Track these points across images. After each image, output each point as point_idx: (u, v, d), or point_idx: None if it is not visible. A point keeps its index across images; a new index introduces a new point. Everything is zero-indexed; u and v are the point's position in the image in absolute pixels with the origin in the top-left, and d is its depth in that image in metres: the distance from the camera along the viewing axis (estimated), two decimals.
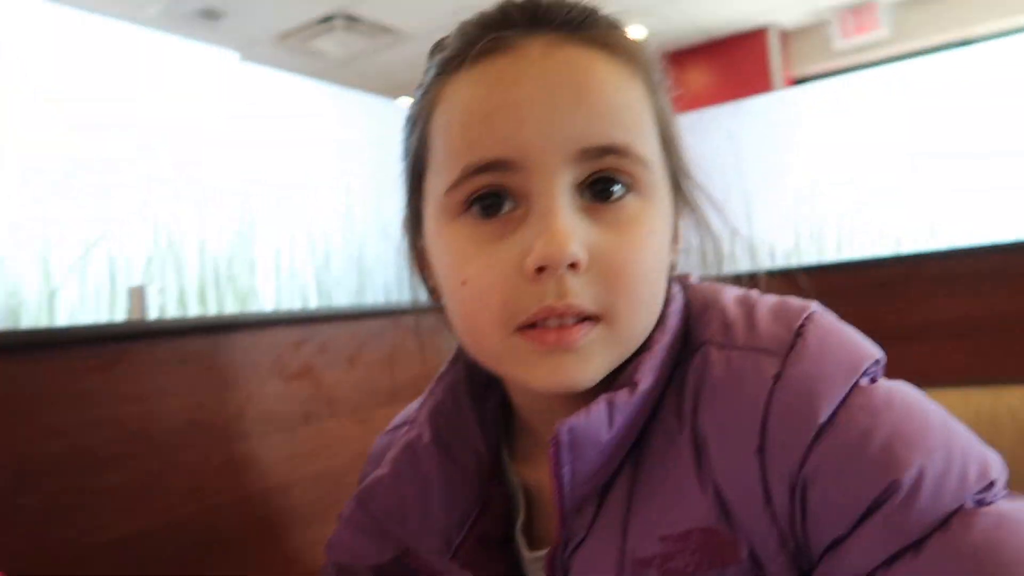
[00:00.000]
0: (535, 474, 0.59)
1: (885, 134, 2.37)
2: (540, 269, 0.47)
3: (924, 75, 2.35)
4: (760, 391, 0.47)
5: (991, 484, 0.44)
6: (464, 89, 0.51)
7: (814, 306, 0.52)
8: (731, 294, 0.56)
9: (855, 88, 2.48)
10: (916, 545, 0.42)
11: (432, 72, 0.55)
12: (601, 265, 0.48)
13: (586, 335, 0.48)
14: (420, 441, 0.60)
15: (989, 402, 0.86)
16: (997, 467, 0.45)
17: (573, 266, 0.47)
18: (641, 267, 0.49)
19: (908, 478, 0.42)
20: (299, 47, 5.10)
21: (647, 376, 0.50)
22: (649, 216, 0.51)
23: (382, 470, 0.61)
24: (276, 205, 1.75)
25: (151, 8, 4.32)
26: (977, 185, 2.17)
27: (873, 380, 0.48)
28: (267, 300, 1.72)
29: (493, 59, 0.50)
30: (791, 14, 5.67)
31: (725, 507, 0.47)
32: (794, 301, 0.53)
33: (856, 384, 0.46)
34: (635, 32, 0.55)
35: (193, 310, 1.54)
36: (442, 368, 0.64)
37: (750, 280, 0.62)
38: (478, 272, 0.49)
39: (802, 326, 0.49)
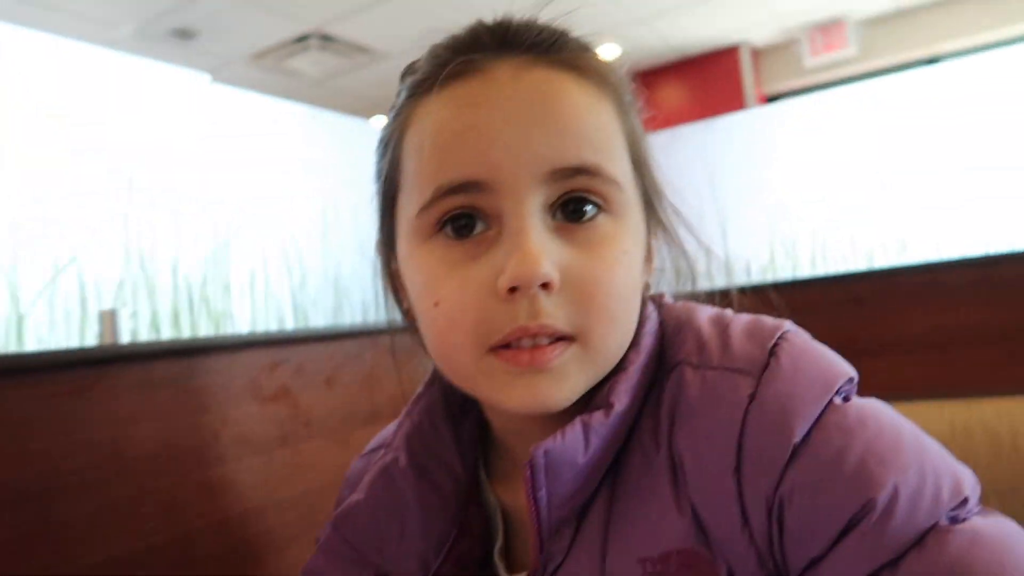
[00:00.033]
0: (513, 495, 0.59)
1: (856, 151, 2.41)
2: (512, 289, 0.46)
3: (893, 93, 2.39)
4: (735, 411, 0.47)
5: (964, 501, 0.44)
6: (435, 111, 0.51)
7: (787, 325, 0.52)
8: (705, 313, 0.56)
9: (827, 105, 2.51)
10: (892, 564, 0.42)
11: (403, 95, 0.55)
12: (574, 285, 0.48)
13: (560, 355, 0.48)
14: (396, 465, 0.59)
15: (963, 415, 0.87)
16: (970, 483, 0.46)
17: (545, 286, 0.47)
18: (614, 287, 0.49)
19: (883, 496, 0.42)
20: (274, 66, 5.09)
21: (622, 397, 0.50)
22: (621, 236, 0.51)
23: (358, 495, 0.60)
24: (250, 226, 1.74)
25: (124, 28, 4.30)
26: (946, 201, 2.21)
27: (847, 399, 0.48)
28: (242, 322, 1.70)
29: (463, 82, 0.50)
30: (762, 32, 5.75)
31: (703, 528, 0.47)
32: (767, 320, 0.53)
33: (830, 403, 0.47)
34: (608, 51, 0.55)
35: (167, 334, 1.51)
36: (418, 390, 0.63)
37: (723, 297, 0.63)
38: (451, 293, 0.49)
39: (776, 345, 0.50)
